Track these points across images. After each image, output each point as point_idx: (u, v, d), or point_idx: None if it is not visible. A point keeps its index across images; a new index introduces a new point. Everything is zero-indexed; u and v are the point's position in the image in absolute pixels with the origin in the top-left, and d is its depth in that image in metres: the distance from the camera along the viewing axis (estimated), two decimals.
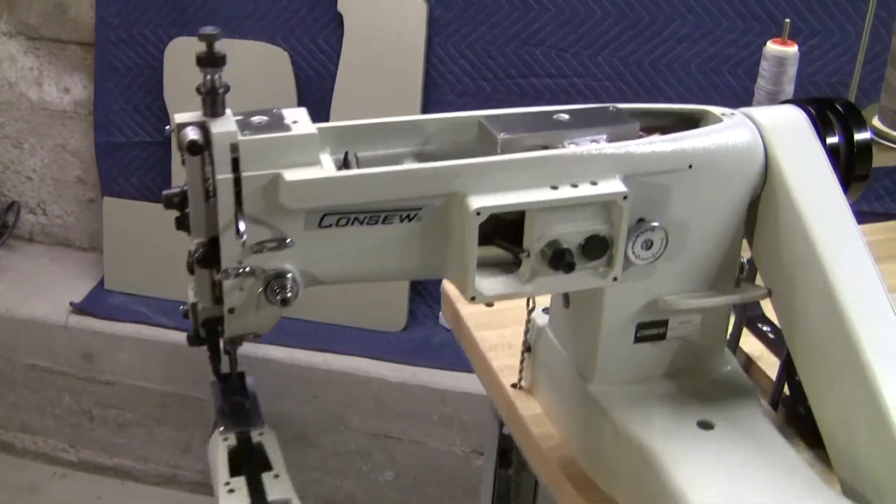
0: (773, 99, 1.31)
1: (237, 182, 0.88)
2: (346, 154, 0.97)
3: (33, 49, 2.57)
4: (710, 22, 2.10)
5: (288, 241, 0.91)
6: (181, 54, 2.34)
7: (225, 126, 0.88)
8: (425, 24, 2.21)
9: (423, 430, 2.36)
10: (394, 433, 2.40)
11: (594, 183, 0.92)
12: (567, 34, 2.18)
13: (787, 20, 1.31)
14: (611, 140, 0.95)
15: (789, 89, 1.31)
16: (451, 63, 2.26)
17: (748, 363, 1.25)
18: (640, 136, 0.97)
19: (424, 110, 2.29)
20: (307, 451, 2.48)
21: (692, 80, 2.14)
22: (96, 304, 2.56)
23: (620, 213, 0.92)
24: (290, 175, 0.88)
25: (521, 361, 1.19)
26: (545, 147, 0.93)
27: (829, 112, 1.06)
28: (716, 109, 1.03)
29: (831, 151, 1.03)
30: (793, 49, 1.31)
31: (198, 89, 0.90)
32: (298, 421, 2.45)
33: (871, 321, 0.94)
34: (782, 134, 1.01)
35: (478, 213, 0.88)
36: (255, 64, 2.31)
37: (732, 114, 1.02)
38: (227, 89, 0.91)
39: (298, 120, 0.91)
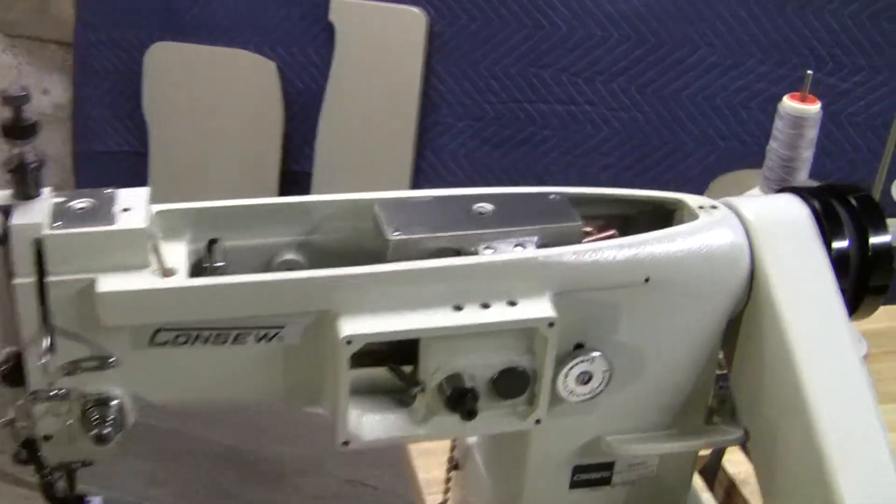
0: (787, 167, 1.08)
1: (41, 288, 0.68)
2: (210, 243, 0.76)
3: (11, 46, 2.39)
4: (739, 51, 1.87)
5: (111, 360, 0.70)
6: (162, 60, 2.16)
7: (30, 215, 0.69)
8: (424, 39, 2.00)
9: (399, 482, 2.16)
10: (370, 481, 2.22)
11: (512, 303, 0.70)
12: (580, 57, 1.95)
13: (810, 72, 1.08)
14: (543, 243, 0.74)
15: (807, 155, 1.09)
16: (452, 82, 2.05)
17: (730, 490, 1.02)
18: (585, 236, 0.75)
19: (421, 133, 2.08)
20: (286, 492, 2.31)
21: (716, 115, 1.91)
22: None
23: (545, 343, 0.70)
24: (106, 283, 0.67)
25: (447, 481, 0.97)
26: (455, 251, 0.72)
27: (840, 206, 0.83)
28: (693, 200, 0.81)
29: (838, 259, 0.81)
30: (814, 108, 1.08)
31: (4, 165, 0.70)
32: (277, 460, 2.27)
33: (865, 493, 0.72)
34: (775, 236, 0.79)
35: (349, 343, 0.67)
36: (241, 74, 2.12)
37: (714, 207, 0.80)
38: (42, 165, 0.71)
39: (132, 207, 0.71)
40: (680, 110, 1.93)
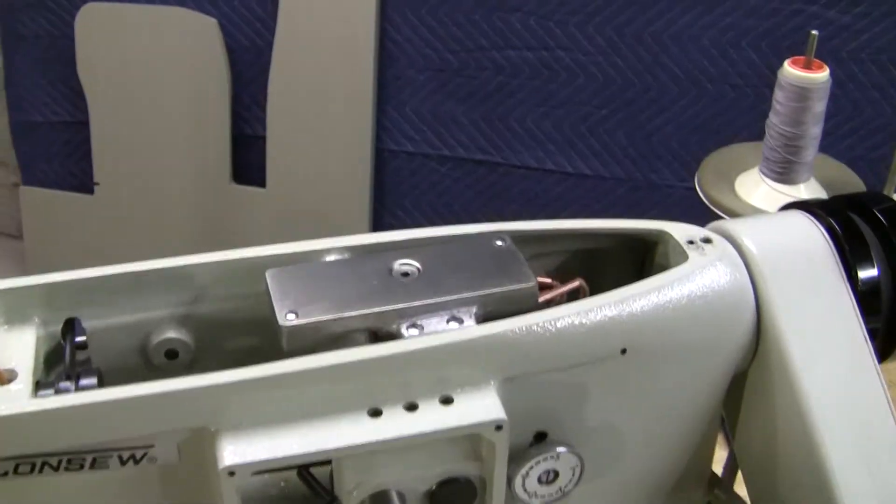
0: (791, 146, 0.91)
1: None
2: (66, 326, 0.60)
3: None
4: None
5: None
6: (95, 22, 1.96)
7: None
8: None
9: None
10: None
11: (447, 400, 0.54)
12: None
13: (814, 33, 0.89)
14: (486, 312, 0.57)
15: (815, 132, 0.91)
16: (410, 31, 1.86)
17: None
18: (542, 292, 0.59)
19: (380, 89, 1.90)
20: None
21: (704, 56, 1.73)
22: None
23: (493, 449, 0.54)
24: None
25: None
26: (371, 334, 0.55)
27: (863, 223, 0.67)
28: (680, 231, 0.64)
29: (866, 292, 0.65)
30: (822, 76, 0.91)
31: None
32: None
33: None
34: (785, 272, 0.63)
35: (231, 474, 0.51)
36: (181, 35, 1.93)
37: (706, 240, 0.63)
38: None
39: None
40: (662, 53, 1.75)
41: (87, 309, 0.60)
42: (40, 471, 0.54)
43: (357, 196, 1.99)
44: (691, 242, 0.62)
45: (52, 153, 2.19)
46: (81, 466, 0.54)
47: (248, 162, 2.06)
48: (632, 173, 1.87)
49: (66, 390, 0.55)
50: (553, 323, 0.55)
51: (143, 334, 0.61)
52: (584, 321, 0.56)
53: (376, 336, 0.55)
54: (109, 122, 2.07)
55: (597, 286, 0.62)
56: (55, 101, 2.13)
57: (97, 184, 2.13)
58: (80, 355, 0.61)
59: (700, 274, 0.60)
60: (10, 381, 0.55)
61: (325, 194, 2.01)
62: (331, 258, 0.60)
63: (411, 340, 0.54)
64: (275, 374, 0.52)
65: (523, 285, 0.57)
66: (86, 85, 2.03)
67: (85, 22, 1.97)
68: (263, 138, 2.00)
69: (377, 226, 2.04)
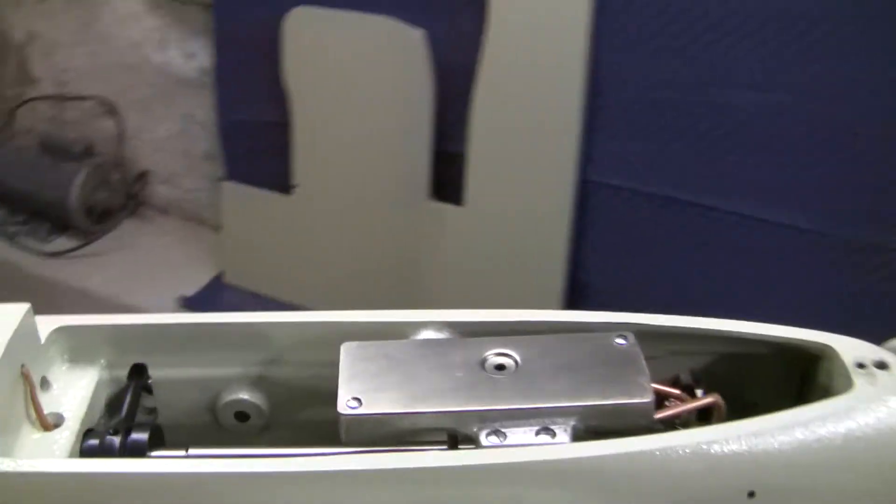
0: None
1: None
2: (134, 372, 0.55)
3: (155, 8, 2.26)
4: None
5: None
6: (303, 26, 1.96)
7: None
8: (589, 9, 1.71)
9: None
10: None
11: None
12: (775, 32, 1.62)
13: None
14: (587, 426, 0.48)
15: None
16: (625, 59, 1.75)
17: None
18: (661, 405, 0.49)
19: (591, 116, 1.80)
20: None
21: None
22: (207, 301, 2.26)
23: None
24: None
25: None
26: (448, 436, 0.48)
27: None
28: (848, 348, 0.53)
29: None
30: None
31: None
32: None
33: None
34: None
35: None
36: (388, 45, 1.90)
37: (880, 365, 0.52)
38: None
39: None
40: None
41: (156, 356, 0.55)
42: None
43: (555, 224, 1.91)
44: (861, 366, 0.51)
45: (256, 152, 2.22)
46: None
47: (446, 179, 2.01)
48: (858, 232, 1.70)
49: (111, 447, 0.49)
50: (667, 452, 0.46)
51: (213, 392, 0.55)
52: (707, 453, 0.46)
53: (453, 442, 0.47)
54: (312, 126, 2.07)
55: (742, 400, 0.52)
56: (262, 100, 2.15)
57: (295, 185, 2.14)
58: (147, 402, 0.57)
59: (864, 410, 0.48)
60: (56, 426, 0.50)
61: (522, 218, 1.93)
62: (422, 335, 0.53)
63: (487, 452, 0.46)
64: (318, 471, 0.45)
65: (636, 400, 0.48)
66: (291, 87, 2.04)
67: (294, 24, 1.98)
68: (463, 156, 1.95)
69: (574, 257, 1.94)
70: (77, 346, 0.55)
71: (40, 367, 0.51)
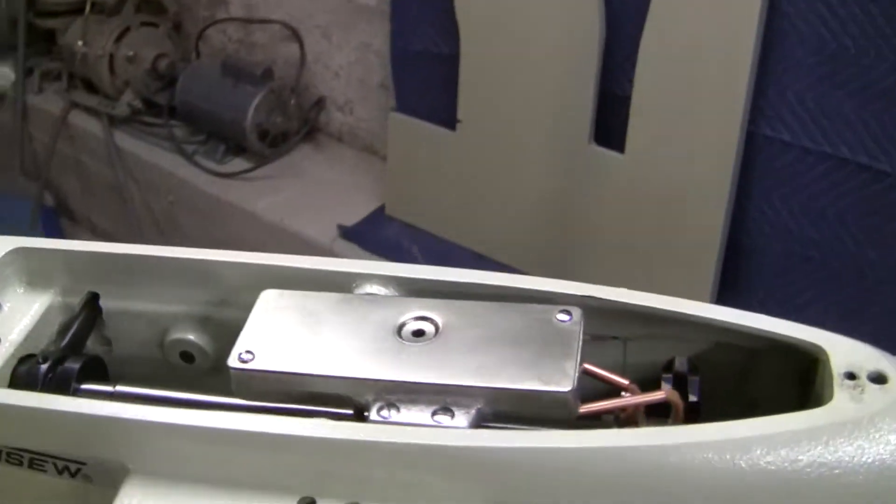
0: None
1: None
2: (89, 301, 0.55)
3: None
4: None
5: None
6: None
7: None
8: None
9: None
10: None
11: None
12: None
13: None
14: (494, 411, 0.45)
15: None
16: (805, 7, 1.64)
17: None
18: (594, 403, 0.46)
19: (763, 68, 1.71)
20: None
21: None
22: (366, 232, 2.29)
23: None
24: None
25: None
26: (335, 400, 0.46)
27: None
28: (841, 349, 0.47)
29: None
30: None
31: None
32: None
33: None
34: None
35: None
36: None
37: (876, 378, 0.46)
38: None
39: None
40: None
41: (111, 287, 0.55)
42: None
43: (718, 178, 1.82)
44: (851, 376, 0.45)
45: (426, 85, 2.22)
46: (20, 464, 0.49)
47: (610, 123, 1.95)
48: None
49: (35, 375, 0.50)
50: (575, 453, 0.41)
51: (161, 328, 0.54)
52: (621, 458, 0.41)
53: (357, 409, 0.45)
54: (479, 61, 2.05)
55: (746, 396, 0.47)
56: (435, 32, 2.15)
57: (460, 121, 2.13)
58: (106, 332, 0.57)
59: (829, 436, 0.42)
60: None
61: (684, 170, 1.86)
62: (364, 289, 0.50)
63: (373, 427, 0.43)
64: (202, 426, 0.44)
65: (552, 388, 0.43)
66: (461, 20, 2.02)
67: None
68: (628, 99, 1.88)
69: (736, 212, 1.85)
70: (34, 270, 0.55)
71: None
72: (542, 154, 2.04)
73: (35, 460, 0.50)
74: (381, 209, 2.36)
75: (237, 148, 2.54)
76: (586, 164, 1.98)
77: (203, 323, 0.55)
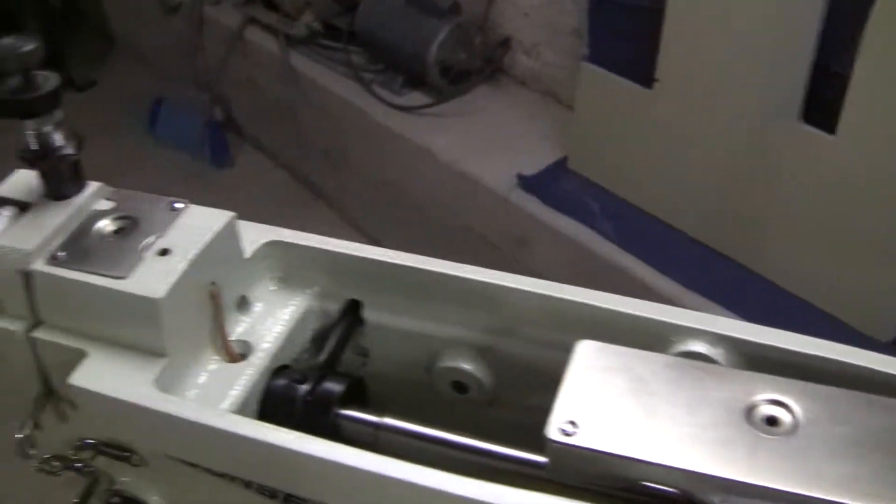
0: None
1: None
2: (348, 309, 0.51)
3: None
4: None
5: (134, 456, 0.50)
6: None
7: (29, 231, 0.49)
8: None
9: None
10: None
11: None
12: None
13: None
14: None
15: None
16: None
17: None
18: None
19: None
20: None
21: None
22: (545, 184, 2.24)
23: None
24: (83, 376, 0.46)
25: None
26: (684, 497, 0.40)
27: None
28: None
29: None
30: None
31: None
32: None
33: None
34: None
35: None
36: None
37: None
38: (74, 155, 0.51)
39: (177, 247, 0.48)
40: None
41: (374, 296, 0.51)
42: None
43: None
44: None
45: (623, 38, 2.14)
46: (232, 480, 0.46)
47: (821, 101, 1.84)
48: None
49: (293, 395, 0.46)
50: None
51: (430, 351, 0.50)
52: None
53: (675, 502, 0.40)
54: (686, 18, 1.96)
55: None
56: None
57: (657, 80, 2.04)
58: (363, 342, 0.53)
59: None
60: (242, 356, 0.48)
61: None
62: (686, 347, 0.45)
63: None
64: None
65: None
66: None
67: None
68: (846, 79, 1.77)
69: None
70: (289, 267, 0.51)
71: (241, 285, 0.48)
72: (742, 126, 1.95)
73: (289, 497, 0.46)
74: (563, 161, 2.30)
75: (416, 81, 2.50)
76: (791, 143, 1.88)
77: (482, 352, 0.50)
